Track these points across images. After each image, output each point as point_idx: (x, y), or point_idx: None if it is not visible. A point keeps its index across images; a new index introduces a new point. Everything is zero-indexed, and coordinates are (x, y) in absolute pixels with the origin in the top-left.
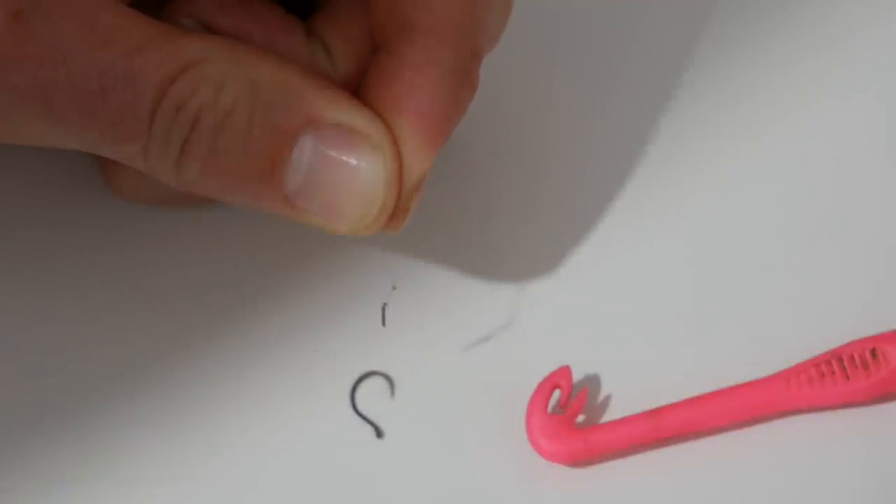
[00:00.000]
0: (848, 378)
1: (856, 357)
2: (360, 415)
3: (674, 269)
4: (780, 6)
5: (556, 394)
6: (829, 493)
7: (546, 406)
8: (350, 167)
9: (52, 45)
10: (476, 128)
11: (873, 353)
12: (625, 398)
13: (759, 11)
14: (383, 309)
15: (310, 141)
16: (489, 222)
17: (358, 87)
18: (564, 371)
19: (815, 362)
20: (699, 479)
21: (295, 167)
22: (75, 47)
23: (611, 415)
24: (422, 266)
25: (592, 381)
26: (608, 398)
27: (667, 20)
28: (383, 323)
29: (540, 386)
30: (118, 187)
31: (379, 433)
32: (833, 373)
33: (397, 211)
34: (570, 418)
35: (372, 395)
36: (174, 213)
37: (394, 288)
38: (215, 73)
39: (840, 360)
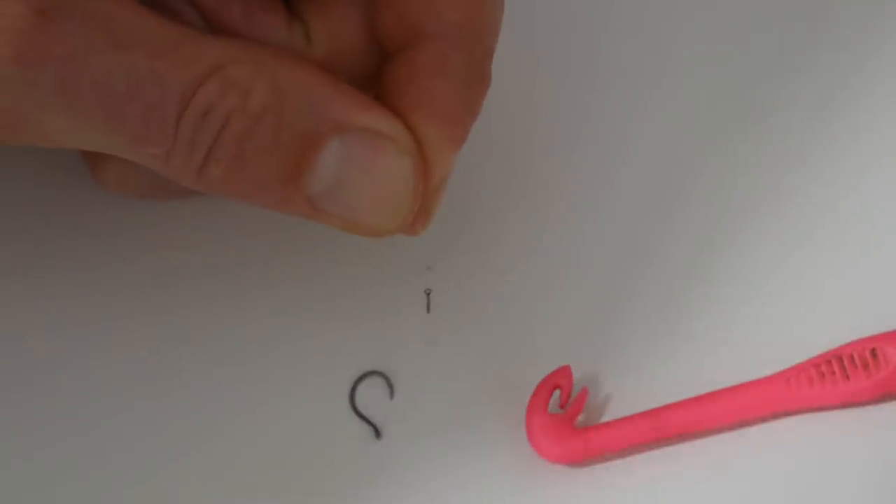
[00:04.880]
0: (848, 378)
1: (856, 357)
2: (359, 415)
3: (674, 270)
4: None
5: (556, 394)
6: (829, 492)
7: (546, 406)
8: (377, 171)
9: (76, 45)
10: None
11: (873, 353)
12: (625, 398)
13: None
14: (427, 295)
15: (336, 146)
16: (488, 223)
17: (336, 73)
18: (564, 371)
19: (815, 362)
20: (699, 479)
21: (321, 172)
22: (99, 48)
23: (611, 415)
24: (420, 266)
25: (592, 381)
26: (608, 398)
27: (660, 19)
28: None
29: (540, 386)
30: (102, 179)
31: (378, 433)
32: (833, 373)
33: (421, 213)
34: (570, 418)
35: (372, 395)
36: (162, 205)
37: (428, 268)
38: (242, 78)
39: (840, 360)
